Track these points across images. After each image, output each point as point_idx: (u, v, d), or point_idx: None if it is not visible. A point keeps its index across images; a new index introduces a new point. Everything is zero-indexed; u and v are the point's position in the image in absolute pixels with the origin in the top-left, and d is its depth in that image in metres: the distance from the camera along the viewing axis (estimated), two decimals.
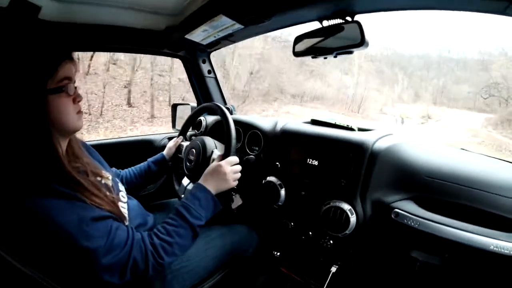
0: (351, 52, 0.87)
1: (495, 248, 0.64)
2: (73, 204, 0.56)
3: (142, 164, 1.09)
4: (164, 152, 1.13)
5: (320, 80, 20.16)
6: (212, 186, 0.76)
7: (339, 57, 0.92)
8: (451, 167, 0.79)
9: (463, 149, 0.96)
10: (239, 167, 0.83)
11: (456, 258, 0.75)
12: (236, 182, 0.83)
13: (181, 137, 1.17)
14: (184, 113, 1.45)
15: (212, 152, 0.97)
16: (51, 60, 0.58)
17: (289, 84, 18.05)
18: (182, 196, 1.08)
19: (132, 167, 1.07)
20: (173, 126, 1.53)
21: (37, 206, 0.53)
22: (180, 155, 1.13)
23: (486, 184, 0.72)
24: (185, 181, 1.10)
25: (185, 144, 1.13)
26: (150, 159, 1.10)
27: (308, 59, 1.00)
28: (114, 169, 1.01)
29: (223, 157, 0.84)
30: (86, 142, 0.85)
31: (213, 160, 0.92)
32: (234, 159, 0.83)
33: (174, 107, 1.52)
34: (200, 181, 0.77)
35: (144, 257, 0.61)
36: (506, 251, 0.63)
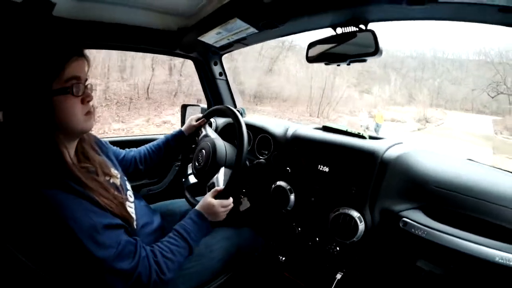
0: (364, 60, 0.87)
1: (500, 260, 0.64)
2: (86, 205, 0.57)
3: (160, 139, 1.09)
4: (183, 127, 1.13)
5: (284, 79, 17.67)
6: (206, 215, 0.82)
7: None
8: (458, 177, 0.79)
9: (470, 159, 0.96)
10: (230, 207, 0.87)
11: (461, 269, 0.75)
12: (225, 216, 0.87)
13: (204, 119, 1.16)
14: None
15: (218, 171, 0.97)
16: (57, 59, 0.57)
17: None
18: (187, 179, 1.12)
19: (149, 144, 1.08)
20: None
21: (50, 197, 0.54)
22: (197, 137, 1.14)
23: (494, 196, 0.72)
24: (190, 169, 1.13)
25: (204, 132, 1.13)
26: (168, 135, 1.10)
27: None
28: (126, 149, 1.02)
29: (221, 194, 0.86)
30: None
31: (213, 185, 0.94)
32: (228, 202, 0.86)
33: (184, 107, 1.51)
34: (198, 208, 0.83)
35: (148, 274, 0.63)
36: (511, 263, 0.64)
